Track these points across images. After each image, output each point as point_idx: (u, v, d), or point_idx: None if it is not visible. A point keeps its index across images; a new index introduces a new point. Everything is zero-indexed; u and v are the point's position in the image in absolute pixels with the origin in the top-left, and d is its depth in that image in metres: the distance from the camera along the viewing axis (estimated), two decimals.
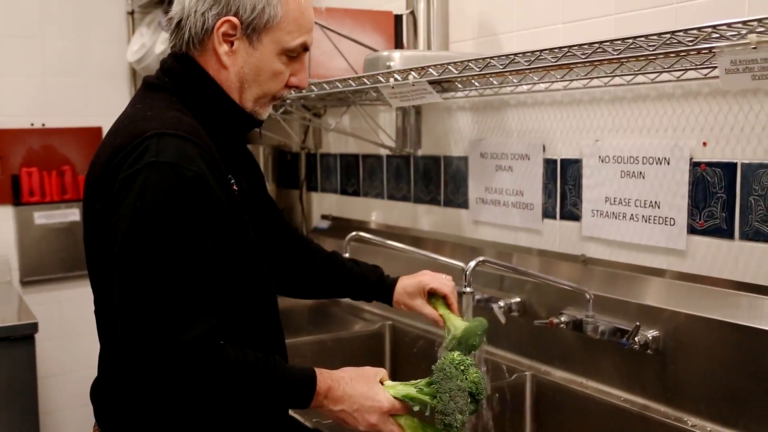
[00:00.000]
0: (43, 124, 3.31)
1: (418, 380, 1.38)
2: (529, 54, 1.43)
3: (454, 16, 2.17)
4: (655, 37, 1.24)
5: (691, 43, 1.21)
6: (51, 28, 3.30)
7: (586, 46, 1.34)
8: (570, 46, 1.36)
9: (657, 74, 1.58)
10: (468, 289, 1.63)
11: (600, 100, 1.83)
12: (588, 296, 1.75)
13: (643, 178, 1.74)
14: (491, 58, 1.53)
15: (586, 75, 1.59)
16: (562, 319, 1.82)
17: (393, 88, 1.75)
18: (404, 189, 2.56)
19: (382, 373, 1.38)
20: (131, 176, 1.17)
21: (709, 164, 1.60)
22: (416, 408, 1.34)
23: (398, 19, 2.06)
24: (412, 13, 2.05)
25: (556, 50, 1.38)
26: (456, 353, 1.37)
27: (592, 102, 1.85)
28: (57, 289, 3.36)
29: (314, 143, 3.05)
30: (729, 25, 1.15)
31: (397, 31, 2.05)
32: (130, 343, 1.16)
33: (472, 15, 2.18)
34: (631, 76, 1.63)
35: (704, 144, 1.61)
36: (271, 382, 1.25)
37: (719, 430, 1.53)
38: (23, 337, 2.62)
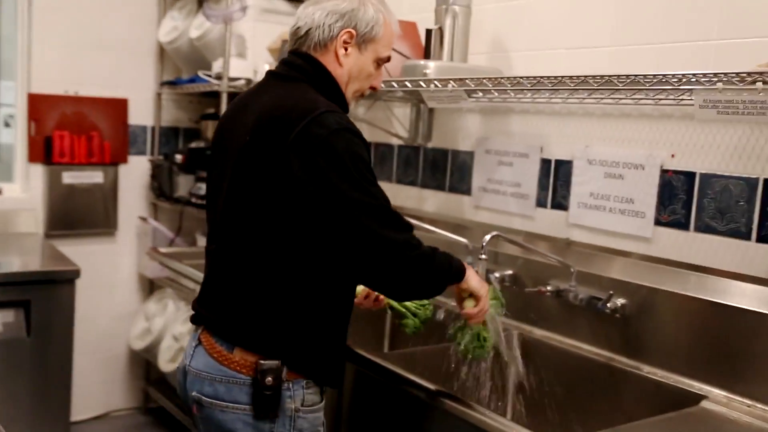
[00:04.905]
0: (76, 92, 3.62)
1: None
2: (553, 78, 1.87)
3: (473, 32, 2.58)
4: (651, 76, 1.69)
5: (677, 83, 1.66)
6: (86, 2, 3.60)
7: (598, 77, 1.79)
8: (585, 76, 1.81)
9: (640, 98, 2.04)
10: (484, 257, 2.06)
11: (592, 114, 2.28)
12: (572, 270, 2.19)
13: (622, 179, 2.19)
14: (521, 78, 1.97)
15: (587, 96, 2.03)
16: (549, 288, 2.25)
17: (432, 92, 2.17)
18: (412, 175, 2.96)
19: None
20: (326, 140, 1.54)
21: (675, 172, 2.06)
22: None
23: (428, 32, 2.46)
24: (440, 28, 2.45)
25: (575, 78, 1.83)
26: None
27: (585, 115, 2.29)
28: (76, 244, 3.66)
29: None
30: (704, 74, 1.60)
31: (427, 42, 2.46)
32: (378, 246, 1.55)
33: (488, 33, 2.60)
34: (621, 97, 2.08)
35: (672, 156, 2.06)
36: (451, 264, 1.71)
37: (668, 375, 1.98)
38: (66, 280, 2.96)
